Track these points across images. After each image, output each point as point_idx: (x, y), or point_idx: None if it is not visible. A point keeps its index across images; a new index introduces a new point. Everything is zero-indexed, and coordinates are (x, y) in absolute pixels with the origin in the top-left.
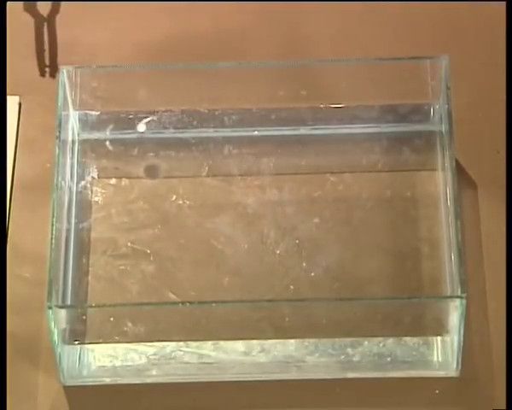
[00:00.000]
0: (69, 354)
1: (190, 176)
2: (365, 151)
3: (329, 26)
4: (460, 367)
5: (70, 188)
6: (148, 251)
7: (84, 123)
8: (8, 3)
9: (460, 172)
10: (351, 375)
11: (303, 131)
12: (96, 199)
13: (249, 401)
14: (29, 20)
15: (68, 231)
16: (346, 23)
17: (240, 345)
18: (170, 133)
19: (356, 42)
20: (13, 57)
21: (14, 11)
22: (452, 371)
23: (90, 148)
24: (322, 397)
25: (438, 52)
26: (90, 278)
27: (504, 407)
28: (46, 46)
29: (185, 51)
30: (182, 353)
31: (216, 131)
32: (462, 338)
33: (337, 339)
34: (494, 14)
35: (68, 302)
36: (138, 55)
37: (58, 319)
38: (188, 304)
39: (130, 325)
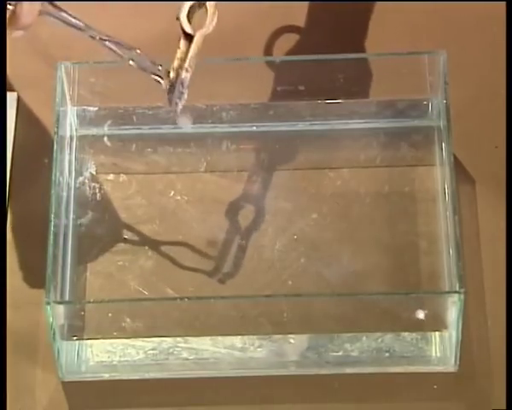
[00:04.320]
0: (67, 350)
1: (188, 172)
2: (363, 146)
3: (328, 22)
4: (458, 362)
5: (68, 184)
6: (146, 247)
7: (82, 119)
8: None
9: (458, 167)
10: (349, 370)
11: (301, 126)
12: (95, 195)
13: (247, 396)
14: None
15: (67, 226)
16: (344, 18)
17: (238, 340)
18: (168, 129)
19: (354, 37)
20: (11, 53)
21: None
22: (450, 366)
23: (89, 143)
24: (321, 392)
25: (436, 48)
26: (88, 273)
27: (502, 404)
28: (44, 42)
29: None
30: (180, 349)
31: (214, 127)
32: (460, 333)
33: (335, 334)
34: (492, 10)
35: (67, 298)
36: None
37: (56, 315)
38: (186, 299)
39: (128, 320)
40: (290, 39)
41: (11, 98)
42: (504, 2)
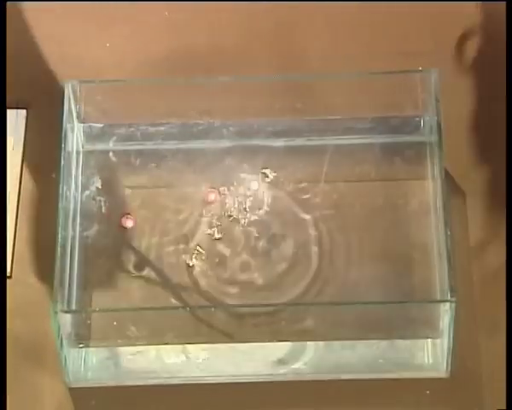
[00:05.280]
0: (74, 357)
1: (191, 185)
2: (358, 161)
3: (324, 41)
4: (450, 368)
5: (75, 197)
6: (150, 257)
7: (89, 135)
8: (16, 20)
9: (449, 181)
10: (345, 376)
11: (299, 142)
12: (100, 208)
13: (247, 401)
14: (37, 35)
15: (73, 238)
16: (339, 38)
17: (238, 347)
18: (171, 144)
19: (349, 55)
20: (21, 71)
21: (21, 26)
22: (442, 372)
23: (94, 159)
24: (318, 398)
25: (427, 66)
26: (94, 283)
27: (493, 407)
28: (53, 62)
29: (185, 66)
30: (182, 355)
31: (215, 143)
32: (451, 341)
33: (332, 342)
34: (483, 29)
35: (73, 307)
36: (140, 70)
37: (63, 324)
38: (188, 308)
39: (132, 328)
40: (288, 57)
41: (20, 115)
42: (498, 18)
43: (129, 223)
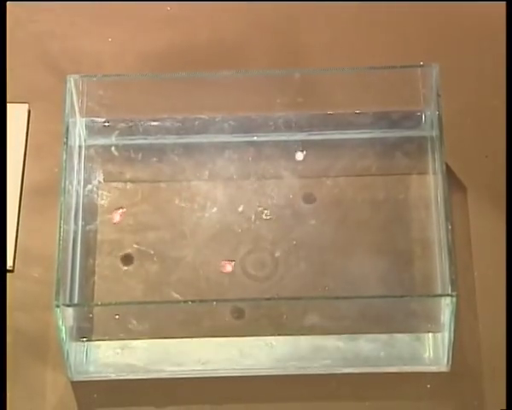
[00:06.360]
0: (76, 351)
1: (192, 180)
2: (359, 156)
3: (325, 36)
4: (450, 363)
5: (77, 191)
6: (152, 252)
7: (91, 129)
8: (16, 13)
9: (450, 175)
10: (346, 370)
11: (300, 136)
12: (102, 202)
13: (247, 395)
14: (37, 30)
15: (75, 232)
16: (340, 32)
17: (239, 341)
18: (172, 139)
19: (350, 50)
20: (22, 66)
21: (22, 20)
22: (443, 366)
23: (97, 153)
24: (319, 391)
25: (429, 61)
26: (96, 277)
27: (493, 402)
28: (54, 56)
29: (186, 61)
30: (184, 349)
31: (216, 137)
32: (452, 335)
33: (332, 335)
34: (483, 24)
35: (75, 301)
36: (142, 64)
37: (66, 317)
38: (190, 302)
39: (134, 322)
40: (289, 52)
41: (22, 110)
42: (498, 15)
43: (116, 217)
